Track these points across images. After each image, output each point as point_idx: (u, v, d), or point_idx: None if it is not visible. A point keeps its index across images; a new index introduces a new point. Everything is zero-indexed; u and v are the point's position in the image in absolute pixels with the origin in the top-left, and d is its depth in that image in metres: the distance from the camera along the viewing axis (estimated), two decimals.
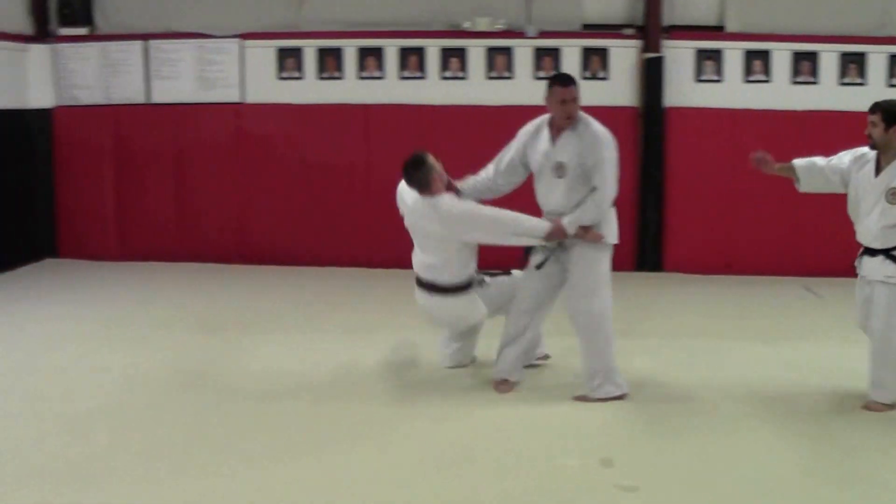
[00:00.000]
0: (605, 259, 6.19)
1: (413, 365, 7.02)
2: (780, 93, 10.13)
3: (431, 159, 6.37)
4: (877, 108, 5.84)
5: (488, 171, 6.64)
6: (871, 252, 5.91)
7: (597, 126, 6.20)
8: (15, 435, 5.53)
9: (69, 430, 5.61)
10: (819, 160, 6.15)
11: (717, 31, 10.36)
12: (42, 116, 10.84)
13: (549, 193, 6.28)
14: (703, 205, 10.32)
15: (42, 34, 10.79)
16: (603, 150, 6.08)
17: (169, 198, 10.81)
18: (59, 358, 7.12)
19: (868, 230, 5.91)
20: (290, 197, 10.64)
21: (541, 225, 6.14)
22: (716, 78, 10.17)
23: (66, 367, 6.88)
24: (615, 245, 6.28)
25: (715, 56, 10.22)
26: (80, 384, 6.48)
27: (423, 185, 6.32)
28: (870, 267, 5.92)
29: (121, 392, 6.31)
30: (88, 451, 5.27)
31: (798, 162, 6.17)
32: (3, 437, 5.50)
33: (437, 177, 6.30)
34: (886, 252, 5.84)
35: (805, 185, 6.20)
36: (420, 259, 6.51)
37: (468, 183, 6.64)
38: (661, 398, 6.25)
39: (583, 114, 6.24)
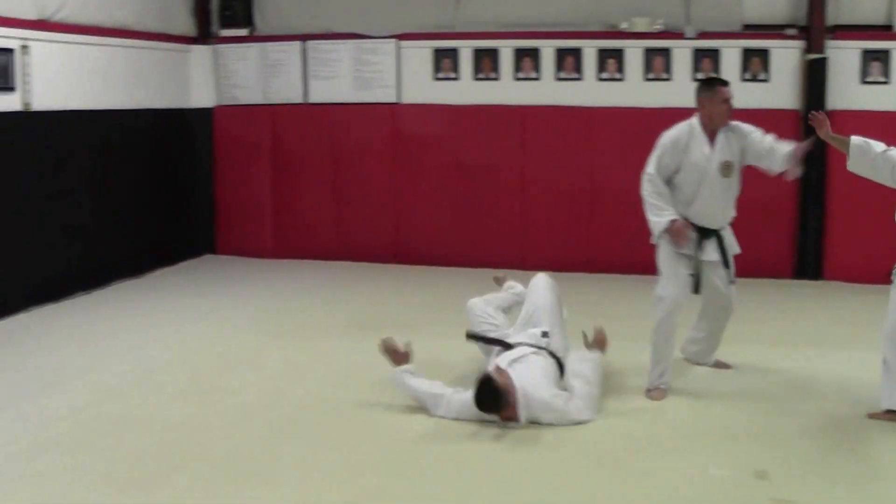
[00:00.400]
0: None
1: None
2: None
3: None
4: None
5: None
6: None
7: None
8: (183, 422, 5.73)
9: (229, 421, 5.75)
10: (878, 145, 5.79)
11: (884, 31, 10.03)
12: (203, 116, 11.12)
13: (712, 195, 6.37)
14: (867, 212, 10.01)
15: (204, 35, 11.06)
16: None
17: (324, 196, 10.96)
18: (217, 352, 7.32)
19: None
20: (443, 197, 10.69)
21: None
22: (882, 80, 9.85)
23: (224, 361, 7.06)
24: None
25: (882, 57, 9.89)
26: (237, 377, 6.64)
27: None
28: None
29: (275, 386, 6.44)
30: (242, 442, 5.40)
31: (855, 139, 5.83)
32: (173, 422, 5.71)
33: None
34: None
35: (853, 165, 5.88)
36: None
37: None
38: (813, 408, 6.06)
39: None
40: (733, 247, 6.63)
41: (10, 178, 8.38)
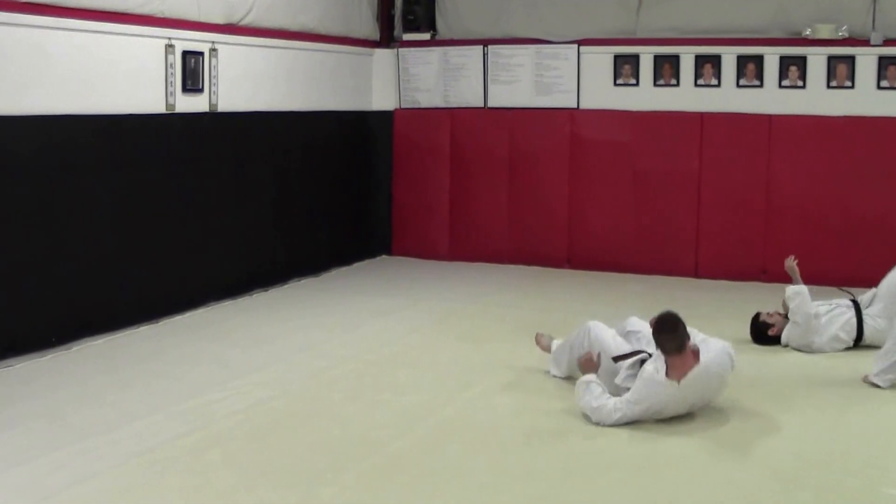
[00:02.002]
0: None
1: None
2: None
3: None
4: None
5: None
6: None
7: None
8: (351, 419, 5.84)
9: (396, 420, 5.82)
10: None
11: None
12: (383, 118, 11.37)
13: None
14: None
15: (387, 39, 11.31)
16: None
17: (500, 200, 11.08)
18: (390, 351, 7.46)
19: None
20: (618, 203, 10.70)
21: None
22: None
23: (395, 361, 7.18)
24: None
25: None
26: (407, 377, 6.77)
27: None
28: None
29: (444, 388, 6.50)
30: (408, 443, 5.46)
31: None
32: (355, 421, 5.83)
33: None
34: None
35: None
36: None
37: None
38: None
39: None
40: None
41: (197, 177, 8.69)
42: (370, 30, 11.17)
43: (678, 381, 5.60)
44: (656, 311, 5.92)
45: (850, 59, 10.08)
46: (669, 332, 5.66)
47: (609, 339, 6.27)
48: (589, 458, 5.29)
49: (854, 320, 7.50)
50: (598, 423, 5.69)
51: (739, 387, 6.27)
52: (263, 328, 8.07)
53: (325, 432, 5.60)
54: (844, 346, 7.47)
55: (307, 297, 9.35)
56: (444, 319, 8.54)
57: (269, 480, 4.86)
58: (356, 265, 10.98)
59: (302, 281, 10.03)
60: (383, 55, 11.29)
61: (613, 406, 5.67)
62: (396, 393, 6.38)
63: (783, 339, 7.57)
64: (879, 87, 10.03)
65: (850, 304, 7.62)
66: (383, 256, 11.47)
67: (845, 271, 9.77)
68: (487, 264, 10.98)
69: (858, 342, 7.47)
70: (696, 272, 10.44)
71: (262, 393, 6.30)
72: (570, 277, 10.50)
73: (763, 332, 7.66)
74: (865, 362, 6.79)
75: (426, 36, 11.16)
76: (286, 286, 9.79)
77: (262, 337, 7.77)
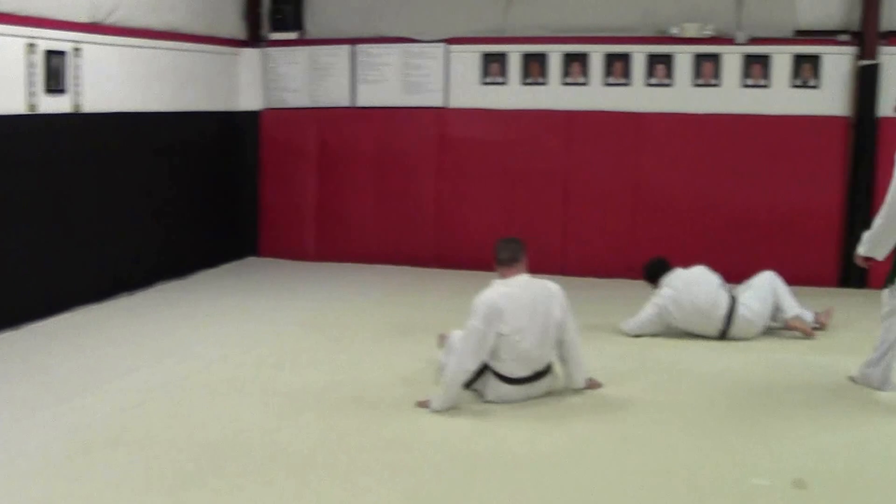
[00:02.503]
0: None
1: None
2: None
3: None
4: None
5: None
6: None
7: None
8: (223, 421, 5.72)
9: (270, 420, 5.73)
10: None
11: None
12: (250, 119, 11.18)
13: None
14: None
15: (254, 39, 11.13)
16: None
17: (368, 200, 10.96)
18: (259, 352, 7.29)
19: None
20: (487, 201, 10.65)
21: None
22: None
23: (265, 362, 7.04)
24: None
25: None
26: (278, 377, 6.66)
27: None
28: None
29: (315, 386, 6.41)
30: (281, 441, 5.38)
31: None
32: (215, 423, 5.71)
33: None
34: None
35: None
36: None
37: None
38: (854, 413, 5.98)
39: None
40: None
41: (61, 179, 8.43)
42: (237, 29, 10.99)
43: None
44: None
45: (716, 58, 10.19)
46: (506, 243, 6.19)
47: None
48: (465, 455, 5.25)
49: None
50: (459, 366, 5.85)
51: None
52: (128, 333, 7.84)
53: (193, 436, 5.47)
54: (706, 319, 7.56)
55: (173, 301, 9.12)
56: (311, 320, 8.40)
57: (135, 486, 4.74)
58: (223, 267, 10.75)
59: (168, 284, 9.78)
60: (250, 55, 11.11)
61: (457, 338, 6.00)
62: (265, 395, 6.24)
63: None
64: (744, 85, 10.11)
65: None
66: (251, 258, 11.24)
67: (712, 266, 9.77)
68: (356, 264, 10.84)
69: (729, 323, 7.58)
70: (564, 269, 10.35)
71: (127, 398, 6.12)
72: (438, 276, 10.42)
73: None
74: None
75: (294, 35, 11.02)
76: (152, 289, 9.51)
77: (127, 341, 7.55)
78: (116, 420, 5.70)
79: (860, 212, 9.85)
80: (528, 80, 10.52)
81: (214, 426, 5.62)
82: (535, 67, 10.48)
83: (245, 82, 11.13)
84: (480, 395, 6.07)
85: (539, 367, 6.07)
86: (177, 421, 5.72)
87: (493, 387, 5.99)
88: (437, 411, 5.79)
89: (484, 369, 5.97)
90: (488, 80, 10.61)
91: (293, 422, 5.72)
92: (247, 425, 5.63)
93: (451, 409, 5.84)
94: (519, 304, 5.92)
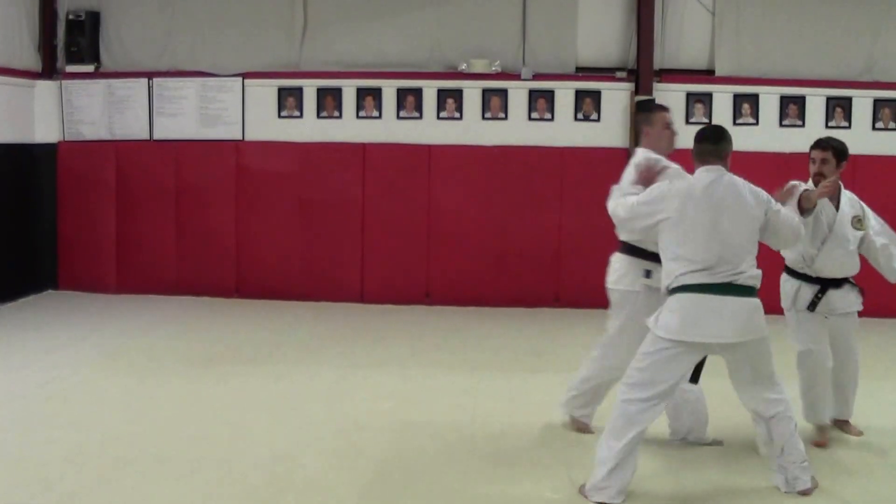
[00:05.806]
0: None
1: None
2: (768, 135, 10.37)
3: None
4: (827, 145, 5.97)
5: None
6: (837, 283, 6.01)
7: None
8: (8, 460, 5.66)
9: (69, 459, 5.68)
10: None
11: (707, 75, 10.60)
12: (47, 151, 11.08)
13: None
14: None
15: (49, 71, 11.06)
16: None
17: (168, 232, 11.00)
18: (58, 387, 7.23)
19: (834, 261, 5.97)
20: (285, 233, 10.84)
21: None
22: (705, 121, 10.33)
23: (58, 398, 6.96)
24: None
25: (705, 99, 10.47)
26: (71, 414, 6.60)
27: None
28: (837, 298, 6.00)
29: (118, 422, 6.42)
30: (88, 480, 5.37)
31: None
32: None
33: None
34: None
35: None
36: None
37: None
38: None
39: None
40: None
41: None
42: (32, 61, 10.90)
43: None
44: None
45: (504, 93, 10.65)
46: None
47: None
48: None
49: None
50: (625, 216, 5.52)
51: None
52: None
53: None
54: None
55: None
56: (110, 354, 8.36)
57: None
58: (21, 300, 10.60)
59: None
60: (46, 87, 11.03)
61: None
62: (68, 430, 6.20)
63: None
64: (530, 119, 10.62)
65: None
66: (49, 291, 11.12)
67: (501, 293, 10.31)
68: (156, 296, 10.86)
69: None
70: (362, 297, 10.64)
71: None
72: (238, 306, 10.55)
73: None
74: None
75: (90, 68, 10.98)
76: None
77: None
78: None
79: None
80: (323, 114, 10.78)
81: (17, 462, 5.55)
82: (329, 101, 10.75)
83: (41, 114, 11.02)
84: None
85: None
86: None
87: None
88: None
89: None
90: (284, 113, 10.83)
91: (96, 458, 5.67)
92: (50, 460, 5.60)
93: None
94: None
